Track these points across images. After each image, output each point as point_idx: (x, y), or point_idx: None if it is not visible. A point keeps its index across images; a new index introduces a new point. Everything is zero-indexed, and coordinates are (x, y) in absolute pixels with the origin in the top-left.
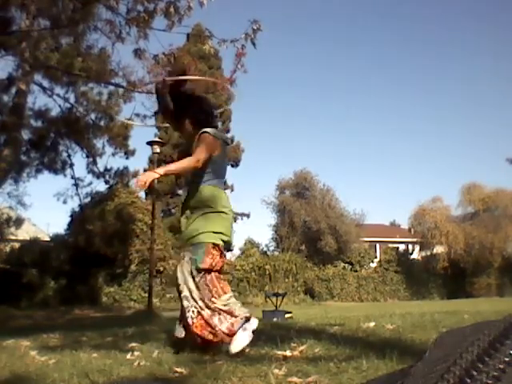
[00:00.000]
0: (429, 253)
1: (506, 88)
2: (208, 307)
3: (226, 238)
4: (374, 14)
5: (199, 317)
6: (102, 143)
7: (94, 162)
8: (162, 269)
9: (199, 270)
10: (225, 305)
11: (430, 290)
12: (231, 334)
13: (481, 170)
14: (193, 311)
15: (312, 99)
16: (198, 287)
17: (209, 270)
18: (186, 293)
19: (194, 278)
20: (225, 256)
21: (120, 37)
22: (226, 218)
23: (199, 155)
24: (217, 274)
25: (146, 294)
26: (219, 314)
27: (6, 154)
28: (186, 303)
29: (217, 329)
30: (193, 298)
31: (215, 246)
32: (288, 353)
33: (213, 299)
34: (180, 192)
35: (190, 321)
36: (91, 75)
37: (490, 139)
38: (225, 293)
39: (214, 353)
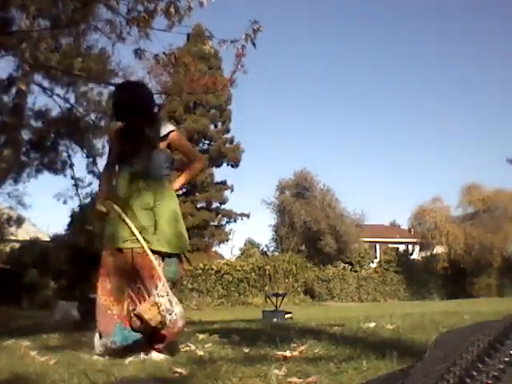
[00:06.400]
0: (429, 253)
1: (506, 88)
2: None
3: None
4: (374, 8)
5: None
6: (102, 143)
7: (94, 163)
8: None
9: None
10: None
11: (430, 291)
12: None
13: (481, 170)
14: None
15: (312, 99)
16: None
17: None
18: None
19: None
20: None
21: (120, 37)
22: None
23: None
24: None
25: None
26: None
27: (6, 155)
28: None
29: None
30: None
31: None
32: (288, 353)
33: None
34: (179, 192)
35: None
36: (91, 75)
37: (490, 139)
38: None
39: None
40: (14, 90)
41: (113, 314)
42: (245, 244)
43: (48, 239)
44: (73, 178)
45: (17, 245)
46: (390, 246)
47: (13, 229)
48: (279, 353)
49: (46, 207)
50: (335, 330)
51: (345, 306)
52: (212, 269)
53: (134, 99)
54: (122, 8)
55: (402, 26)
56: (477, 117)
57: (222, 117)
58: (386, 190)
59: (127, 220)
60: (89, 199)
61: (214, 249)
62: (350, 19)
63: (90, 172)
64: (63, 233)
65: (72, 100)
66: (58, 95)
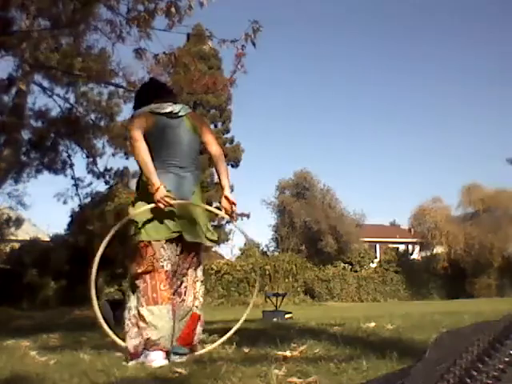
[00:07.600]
0: (429, 253)
1: (506, 88)
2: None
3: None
4: (374, 8)
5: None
6: (102, 143)
7: (94, 162)
8: None
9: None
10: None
11: (430, 291)
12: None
13: (481, 170)
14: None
15: (312, 99)
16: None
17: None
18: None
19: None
20: (161, 250)
21: (120, 37)
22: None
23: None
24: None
25: None
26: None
27: (6, 155)
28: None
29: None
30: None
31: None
32: (288, 353)
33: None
34: None
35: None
36: (91, 75)
37: (490, 139)
38: (156, 303)
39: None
40: (14, 90)
41: None
42: (245, 244)
43: (48, 239)
44: (73, 177)
45: (17, 245)
46: (390, 245)
47: (13, 229)
48: (279, 353)
49: (46, 207)
50: (335, 330)
51: (345, 306)
52: (212, 269)
53: None
54: (122, 8)
55: (402, 25)
56: (477, 117)
57: (222, 117)
58: (386, 190)
59: None
60: (89, 199)
61: (213, 249)
62: (350, 19)
63: (90, 172)
64: (63, 233)
65: (72, 100)
66: (58, 95)
